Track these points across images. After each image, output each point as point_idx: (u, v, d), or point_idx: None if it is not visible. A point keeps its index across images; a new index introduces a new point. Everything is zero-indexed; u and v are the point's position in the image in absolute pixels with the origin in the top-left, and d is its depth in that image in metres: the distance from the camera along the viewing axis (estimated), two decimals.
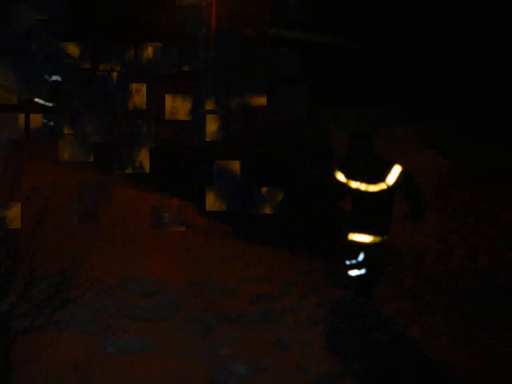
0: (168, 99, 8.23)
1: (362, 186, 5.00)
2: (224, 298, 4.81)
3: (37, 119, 12.13)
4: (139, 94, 9.14)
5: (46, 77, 12.06)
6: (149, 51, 9.83)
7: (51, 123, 12.30)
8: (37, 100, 12.13)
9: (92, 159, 9.59)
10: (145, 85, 8.87)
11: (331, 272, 5.97)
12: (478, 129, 13.93)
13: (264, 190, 6.80)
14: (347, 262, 5.30)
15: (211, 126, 7.99)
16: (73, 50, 10.38)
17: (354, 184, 5.06)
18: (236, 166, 7.16)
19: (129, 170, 8.53)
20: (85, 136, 9.13)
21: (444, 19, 18.06)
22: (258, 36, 18.10)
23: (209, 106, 8.94)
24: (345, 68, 19.20)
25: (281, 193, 6.62)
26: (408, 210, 4.95)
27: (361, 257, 5.20)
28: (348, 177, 5.09)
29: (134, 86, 9.06)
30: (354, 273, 5.29)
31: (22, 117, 8.81)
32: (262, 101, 8.52)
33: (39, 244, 3.01)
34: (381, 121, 14.96)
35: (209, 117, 8.10)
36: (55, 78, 12.07)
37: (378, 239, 5.07)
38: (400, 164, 4.90)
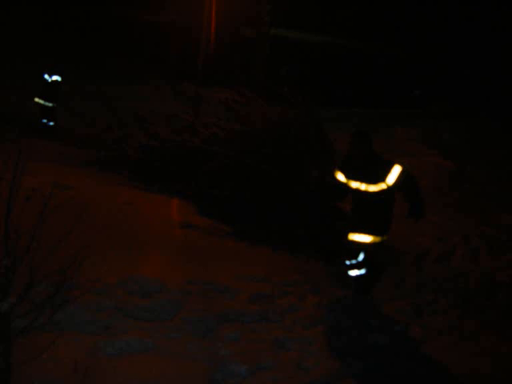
0: None
1: (362, 186, 5.00)
2: (224, 297, 4.81)
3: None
4: None
5: (46, 77, 12.07)
6: None
7: (51, 123, 12.34)
8: (37, 100, 12.15)
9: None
10: None
11: (331, 272, 5.98)
12: (478, 129, 13.93)
13: None
14: (347, 262, 5.30)
15: None
16: None
17: (354, 184, 5.05)
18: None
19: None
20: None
21: (445, 19, 18.02)
22: (258, 36, 18.11)
23: None
24: (345, 68, 19.20)
25: None
26: (408, 209, 4.95)
27: (361, 257, 5.20)
28: (348, 177, 5.09)
29: None
30: (354, 273, 5.29)
31: None
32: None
33: (39, 244, 3.01)
34: (381, 121, 14.99)
35: None
36: (55, 77, 12.08)
37: (378, 239, 5.07)
38: (400, 164, 4.90)
